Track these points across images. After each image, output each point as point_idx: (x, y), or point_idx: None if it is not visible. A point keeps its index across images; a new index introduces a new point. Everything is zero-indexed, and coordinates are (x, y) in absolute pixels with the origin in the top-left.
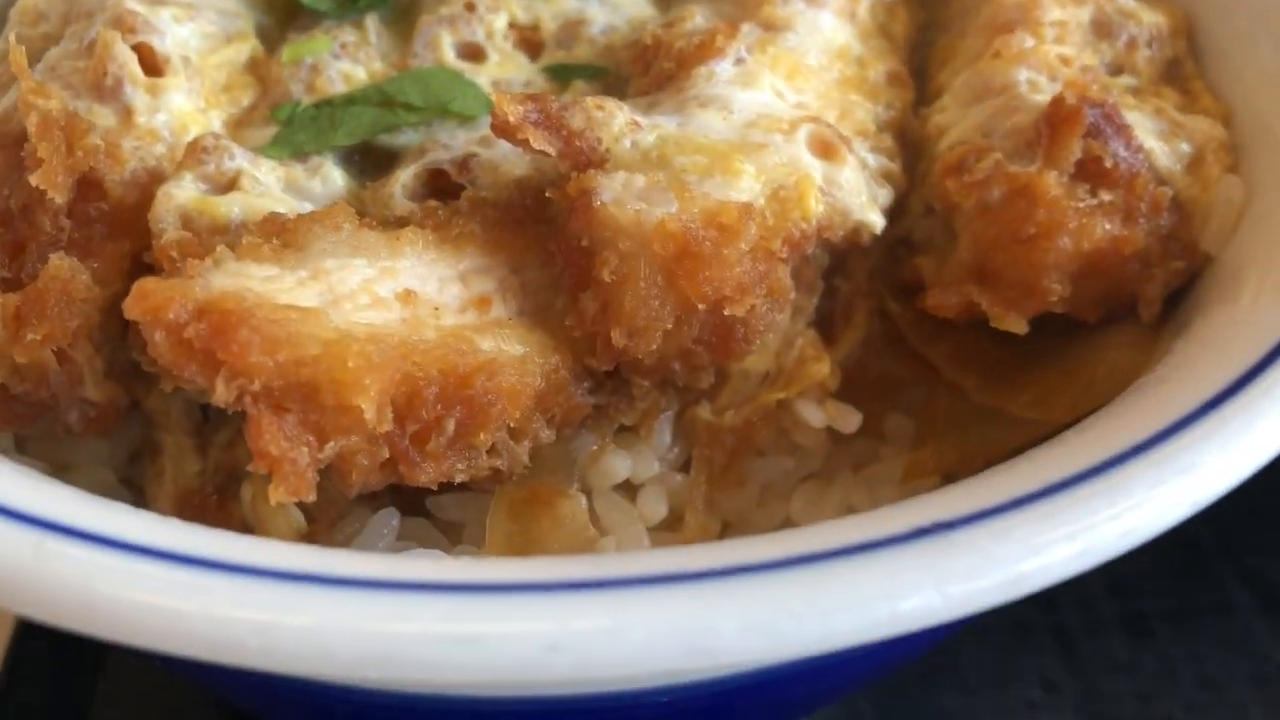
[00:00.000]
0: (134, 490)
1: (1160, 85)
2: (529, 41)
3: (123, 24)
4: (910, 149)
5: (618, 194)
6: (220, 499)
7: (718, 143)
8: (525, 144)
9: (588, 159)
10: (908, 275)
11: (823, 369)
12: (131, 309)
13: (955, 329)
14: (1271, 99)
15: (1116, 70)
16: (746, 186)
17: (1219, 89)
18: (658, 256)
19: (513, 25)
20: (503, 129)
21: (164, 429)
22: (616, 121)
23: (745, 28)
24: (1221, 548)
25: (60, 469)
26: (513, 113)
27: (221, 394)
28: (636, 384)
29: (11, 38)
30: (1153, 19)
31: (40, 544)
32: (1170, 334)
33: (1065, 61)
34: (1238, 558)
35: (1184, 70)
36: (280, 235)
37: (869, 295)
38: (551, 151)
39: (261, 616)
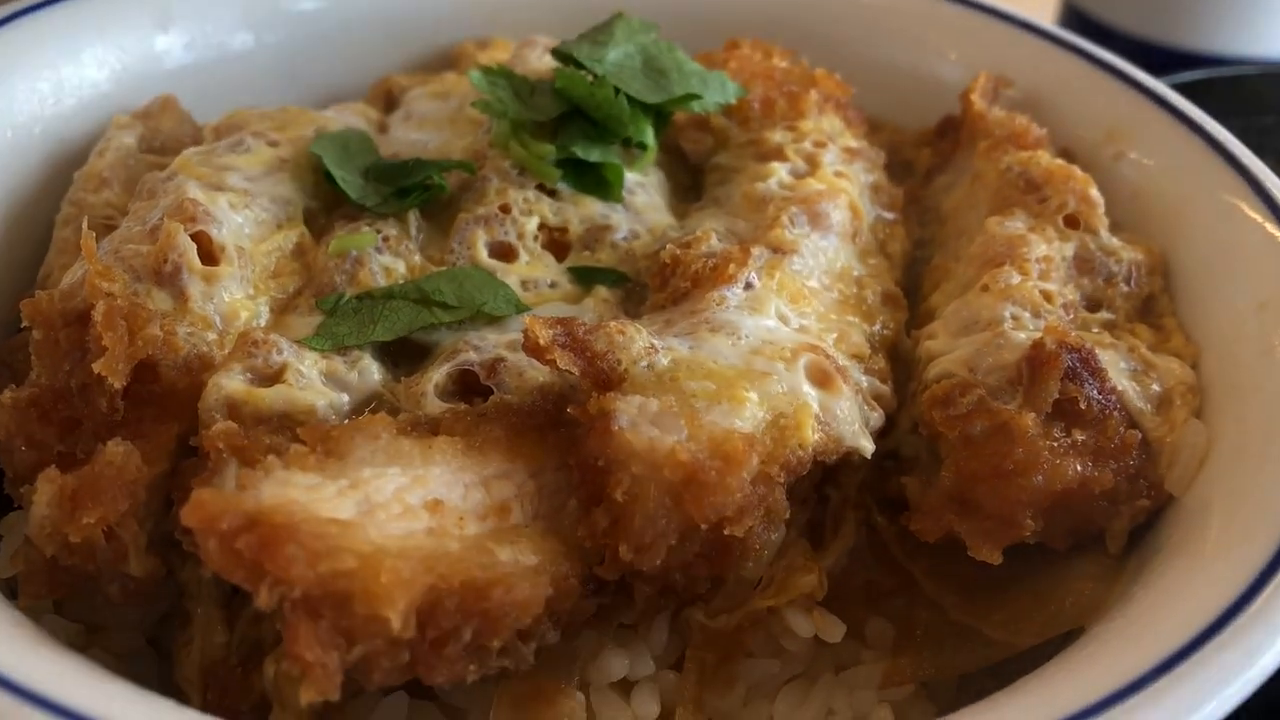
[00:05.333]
0: (159, 651)
1: (1135, 321)
2: (557, 243)
3: (184, 212)
4: (901, 365)
5: (634, 418)
6: (244, 670)
7: (725, 368)
8: (553, 364)
9: (607, 379)
10: (894, 491)
11: (811, 580)
12: (188, 517)
13: (936, 546)
14: (1238, 345)
15: (1095, 304)
16: (750, 414)
17: (1190, 326)
18: (667, 481)
19: (543, 226)
20: (533, 350)
21: (195, 599)
22: (636, 346)
23: (755, 251)
24: None
25: (92, 629)
26: (543, 336)
27: (264, 599)
28: (639, 588)
29: (84, 223)
30: (1131, 256)
31: None
32: (1135, 565)
33: (1048, 298)
34: None
35: (1158, 306)
36: (324, 443)
37: (858, 507)
38: (575, 372)
39: None
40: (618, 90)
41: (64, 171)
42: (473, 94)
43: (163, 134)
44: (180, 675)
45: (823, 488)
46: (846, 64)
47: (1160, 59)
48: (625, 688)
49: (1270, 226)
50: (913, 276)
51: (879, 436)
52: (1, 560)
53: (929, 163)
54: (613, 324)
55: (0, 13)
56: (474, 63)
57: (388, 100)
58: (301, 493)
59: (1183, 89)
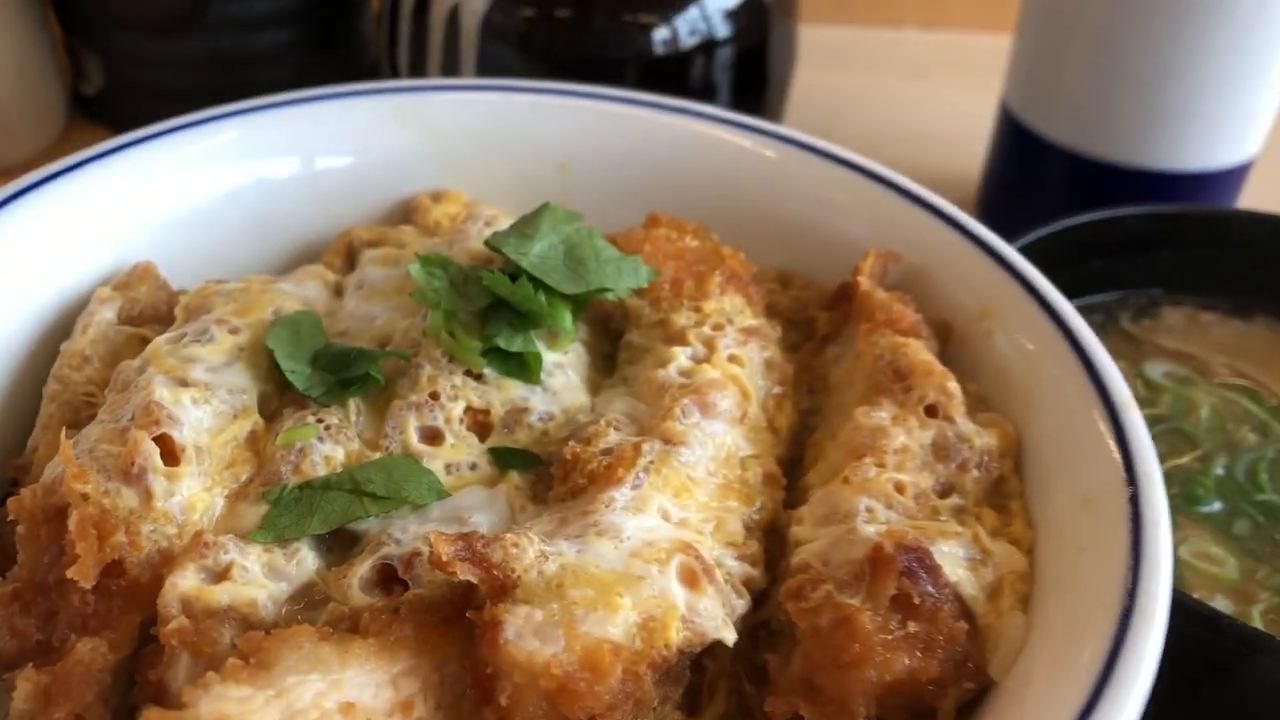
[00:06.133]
0: None
1: (983, 504)
2: (480, 424)
3: (150, 415)
4: (777, 537)
5: (519, 629)
6: None
7: (605, 574)
8: (454, 574)
9: (502, 585)
10: (761, 662)
11: None
12: None
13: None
14: (1061, 538)
15: (949, 489)
16: (621, 619)
17: (1033, 510)
18: (544, 690)
19: (468, 409)
20: (436, 563)
21: None
22: (528, 555)
23: (645, 447)
24: None
25: None
26: (445, 553)
27: None
28: None
29: (62, 436)
30: (984, 442)
31: None
32: None
33: (900, 489)
34: None
35: (1007, 487)
36: (257, 654)
37: (730, 677)
38: (475, 580)
39: None
40: (538, 286)
41: (57, 335)
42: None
43: (140, 303)
44: None
45: (700, 661)
46: (760, 220)
47: (1092, 170)
48: None
49: (1102, 424)
50: (799, 445)
51: (753, 608)
52: None
53: (824, 329)
54: (508, 536)
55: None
56: (429, 216)
57: (348, 253)
58: (234, 705)
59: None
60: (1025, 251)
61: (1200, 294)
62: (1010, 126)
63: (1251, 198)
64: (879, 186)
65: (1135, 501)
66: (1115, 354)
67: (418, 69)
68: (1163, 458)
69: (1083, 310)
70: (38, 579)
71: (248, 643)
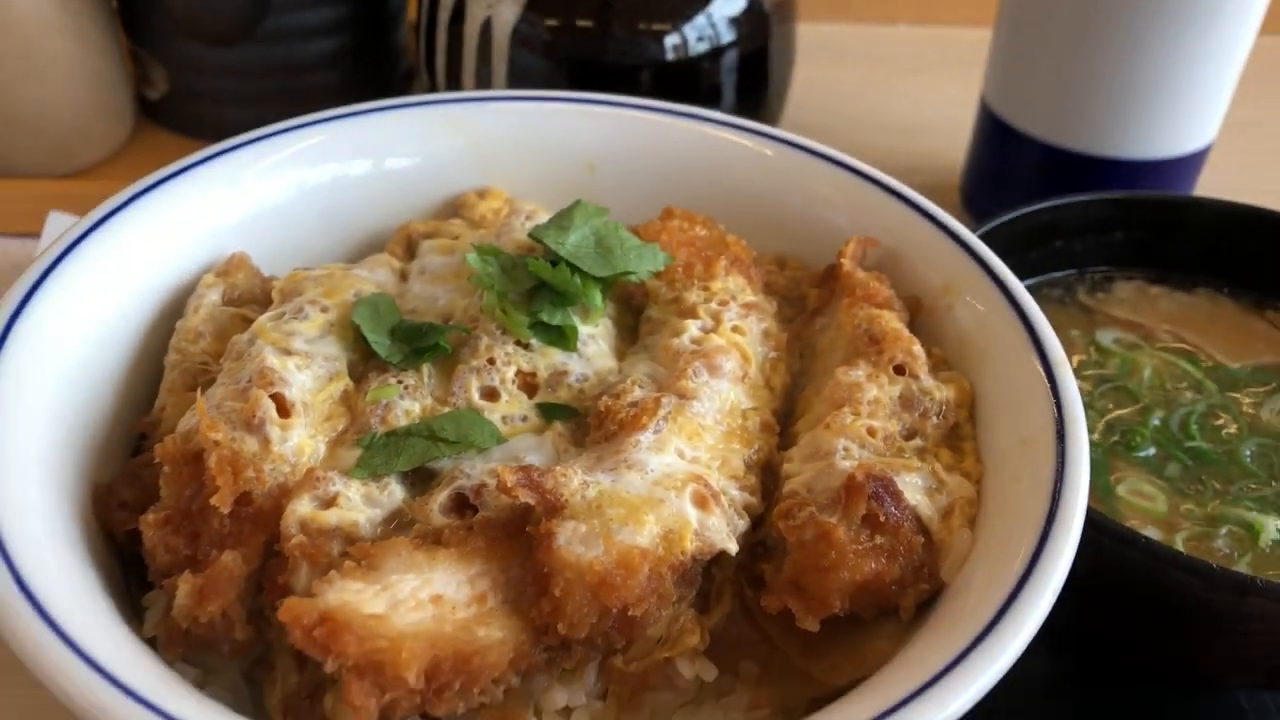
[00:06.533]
0: (252, 685)
1: (941, 446)
2: (529, 384)
3: (265, 378)
4: (772, 474)
5: (568, 538)
6: (311, 701)
7: (634, 498)
8: (516, 497)
9: (554, 507)
10: (759, 572)
11: (695, 639)
12: (284, 615)
13: (783, 616)
14: (1003, 471)
15: (912, 433)
16: (647, 532)
17: (983, 450)
18: (588, 584)
19: (518, 372)
20: (503, 489)
21: (277, 652)
22: (573, 483)
23: (664, 401)
24: None
25: (207, 671)
26: (509, 480)
27: (330, 666)
28: (574, 647)
29: (199, 389)
30: (943, 395)
31: None
32: (918, 628)
33: (872, 433)
34: None
35: (962, 432)
36: (365, 559)
37: (733, 583)
38: (532, 501)
39: None
40: (574, 270)
41: (169, 314)
42: (471, 250)
43: (239, 287)
44: (267, 705)
45: (709, 570)
46: (760, 211)
47: (1063, 160)
48: (567, 713)
49: (1039, 379)
50: (791, 400)
51: (752, 529)
52: (148, 626)
53: (813, 304)
54: (557, 469)
55: (119, 197)
56: (475, 211)
57: (408, 245)
58: (352, 596)
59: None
60: (993, 234)
61: (1149, 270)
62: (988, 120)
63: (1209, 176)
64: (861, 181)
65: (1062, 440)
66: (1071, 323)
67: (453, 75)
68: (1107, 411)
69: (1044, 285)
70: (182, 508)
71: (358, 551)
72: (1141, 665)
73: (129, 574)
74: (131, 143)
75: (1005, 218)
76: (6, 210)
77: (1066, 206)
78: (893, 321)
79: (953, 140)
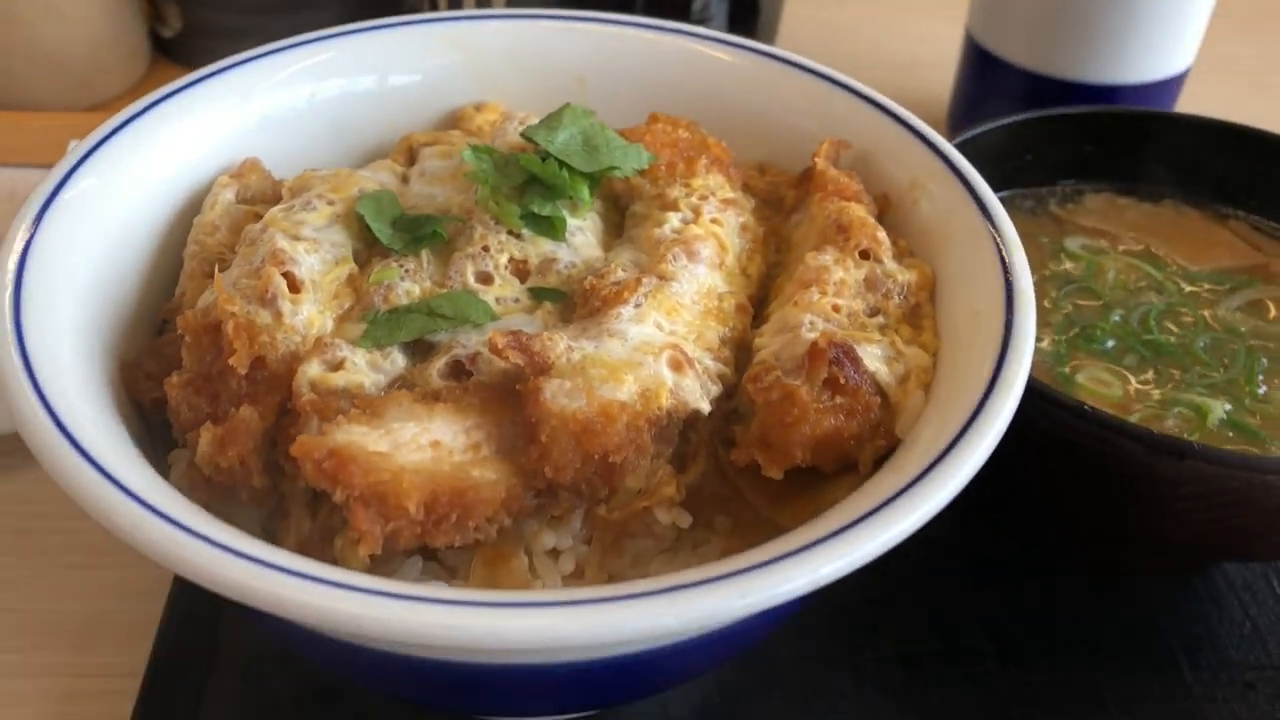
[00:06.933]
0: (269, 535)
1: (902, 323)
2: (521, 270)
3: (276, 258)
4: (746, 353)
5: (554, 392)
6: (322, 545)
7: (615, 361)
8: (507, 359)
9: (541, 367)
10: (731, 434)
11: (672, 490)
12: (296, 450)
13: (753, 472)
14: (957, 341)
15: (875, 311)
16: (626, 389)
17: (940, 326)
18: (571, 431)
19: (511, 259)
20: (494, 350)
21: (291, 502)
22: (559, 347)
23: (644, 280)
24: (978, 615)
25: (228, 521)
26: (500, 342)
27: (337, 497)
28: (561, 494)
29: (216, 269)
30: (905, 278)
31: (259, 573)
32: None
33: (836, 309)
34: (988, 622)
35: (922, 312)
36: (369, 408)
37: (708, 444)
38: (521, 362)
39: (353, 609)
40: (562, 165)
41: (187, 212)
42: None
43: (251, 188)
44: (283, 549)
45: (686, 433)
46: (742, 120)
47: (1044, 86)
48: (555, 554)
49: (993, 258)
50: (766, 289)
51: (725, 399)
52: (173, 478)
53: (791, 203)
54: (544, 334)
55: (140, 103)
56: (473, 123)
57: (409, 153)
58: (357, 437)
59: (976, 138)
60: (964, 146)
61: (1119, 183)
62: (972, 49)
63: (1187, 107)
64: (836, 89)
65: (1010, 311)
66: (1041, 231)
67: (455, 2)
68: (1072, 308)
69: (1016, 197)
70: (203, 371)
71: (363, 402)
72: (1093, 541)
73: (155, 440)
74: (147, 79)
75: (976, 130)
76: (29, 141)
77: (1036, 121)
78: (860, 211)
79: (943, 75)
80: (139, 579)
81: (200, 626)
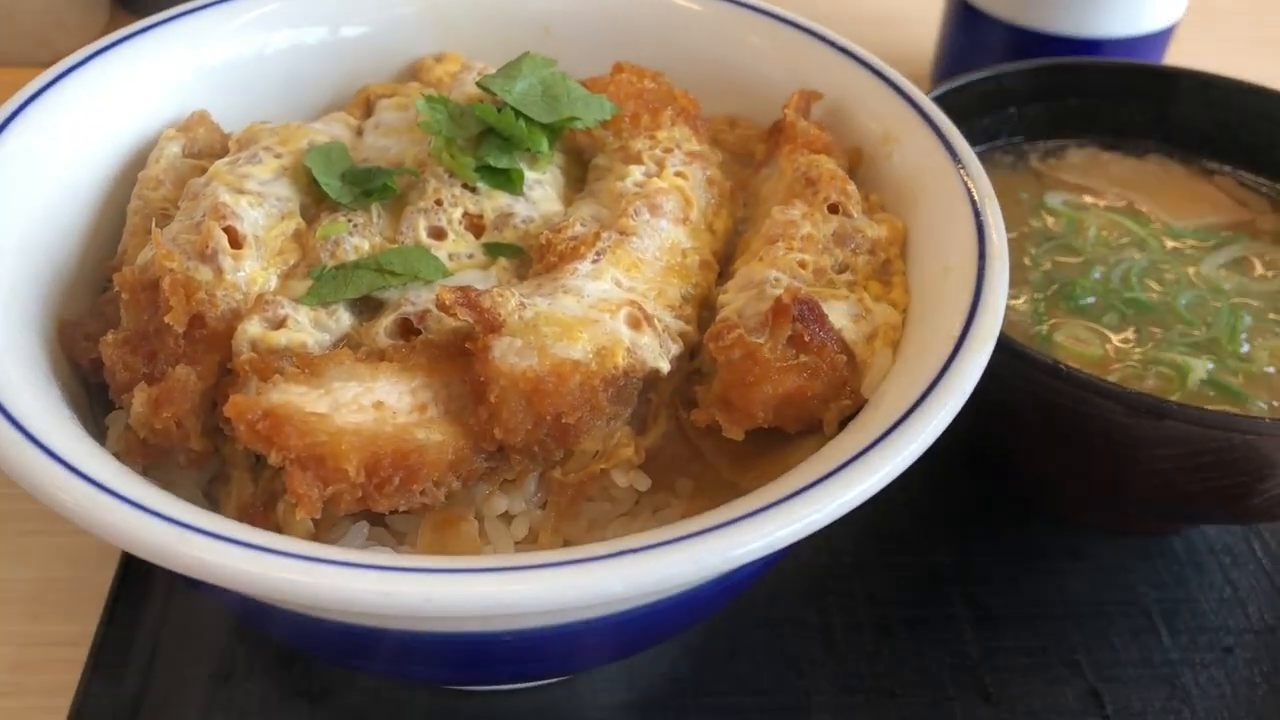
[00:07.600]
0: (211, 501)
1: (871, 279)
2: (476, 226)
3: (218, 213)
4: (710, 310)
5: (504, 350)
6: (264, 511)
7: (569, 318)
8: (455, 316)
9: (491, 325)
10: (693, 395)
11: (629, 452)
12: (229, 410)
13: (715, 433)
14: (927, 296)
15: (844, 268)
16: (580, 348)
17: (911, 281)
18: (522, 391)
19: (465, 214)
20: (442, 308)
21: (233, 466)
22: (510, 303)
23: (604, 234)
24: (953, 578)
25: (167, 485)
26: (448, 299)
27: (273, 459)
28: (513, 457)
29: (153, 221)
30: (875, 233)
31: (183, 536)
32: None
33: (803, 265)
34: (963, 585)
35: (892, 268)
36: (309, 367)
37: (669, 405)
38: (470, 320)
39: (295, 577)
40: (520, 115)
41: (133, 167)
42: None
43: (199, 142)
44: (224, 514)
45: (646, 393)
46: (711, 72)
47: (1028, 40)
48: (507, 519)
49: (965, 212)
50: (733, 245)
51: (688, 358)
52: (110, 441)
53: (761, 158)
54: (494, 289)
55: (82, 53)
56: (432, 75)
57: (366, 105)
58: (295, 397)
59: (956, 91)
60: (942, 99)
61: (1103, 137)
62: (956, 3)
63: (1178, 63)
64: (809, 38)
65: (982, 266)
66: (1021, 186)
67: None
68: (1051, 266)
69: (996, 151)
70: (140, 330)
71: (303, 360)
72: (1070, 503)
73: (94, 403)
74: (107, 32)
75: (954, 84)
76: None
77: (1015, 73)
78: (829, 164)
79: (927, 30)
80: (90, 546)
81: (151, 596)
